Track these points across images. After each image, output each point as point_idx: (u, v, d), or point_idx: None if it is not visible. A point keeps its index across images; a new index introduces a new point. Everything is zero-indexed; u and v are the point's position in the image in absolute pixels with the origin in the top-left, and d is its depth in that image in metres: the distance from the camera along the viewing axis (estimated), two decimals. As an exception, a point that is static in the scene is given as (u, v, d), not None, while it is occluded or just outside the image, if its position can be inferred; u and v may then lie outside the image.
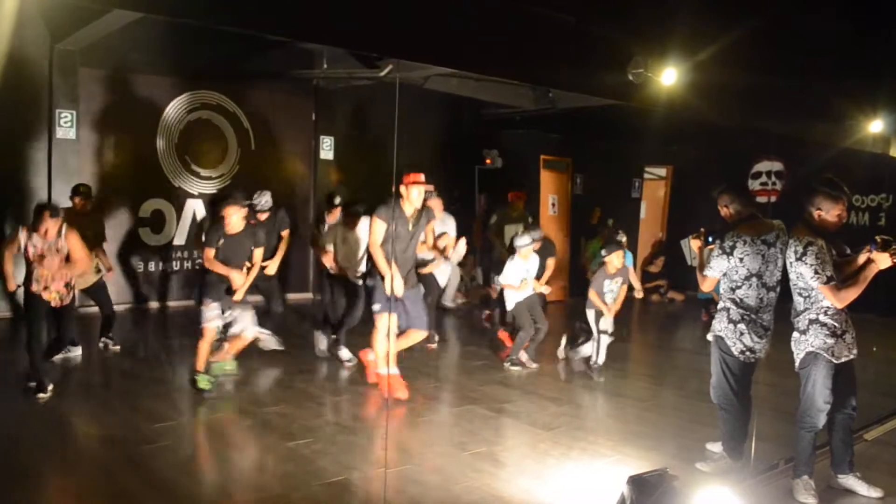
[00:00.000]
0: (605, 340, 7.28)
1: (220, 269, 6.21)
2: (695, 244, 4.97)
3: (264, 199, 7.32)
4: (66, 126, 9.39)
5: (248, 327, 6.51)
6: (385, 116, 11.74)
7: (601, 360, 7.19)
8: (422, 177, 6.17)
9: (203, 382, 6.11)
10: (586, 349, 7.38)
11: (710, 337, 4.87)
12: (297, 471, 4.64)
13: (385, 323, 6.06)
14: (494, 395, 6.54)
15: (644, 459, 4.93)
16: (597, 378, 7.10)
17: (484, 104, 12.40)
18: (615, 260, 7.18)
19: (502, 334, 8.19)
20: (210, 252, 6.23)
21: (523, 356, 7.51)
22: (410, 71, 9.40)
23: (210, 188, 10.89)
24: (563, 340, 7.67)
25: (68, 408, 5.92)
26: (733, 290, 4.68)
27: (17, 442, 5.05)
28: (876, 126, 7.27)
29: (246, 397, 6.22)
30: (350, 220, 7.45)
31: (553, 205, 13.00)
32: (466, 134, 13.30)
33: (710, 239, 4.90)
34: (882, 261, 4.13)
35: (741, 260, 4.61)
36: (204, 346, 6.19)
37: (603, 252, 7.33)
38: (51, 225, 5.97)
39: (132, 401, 5.97)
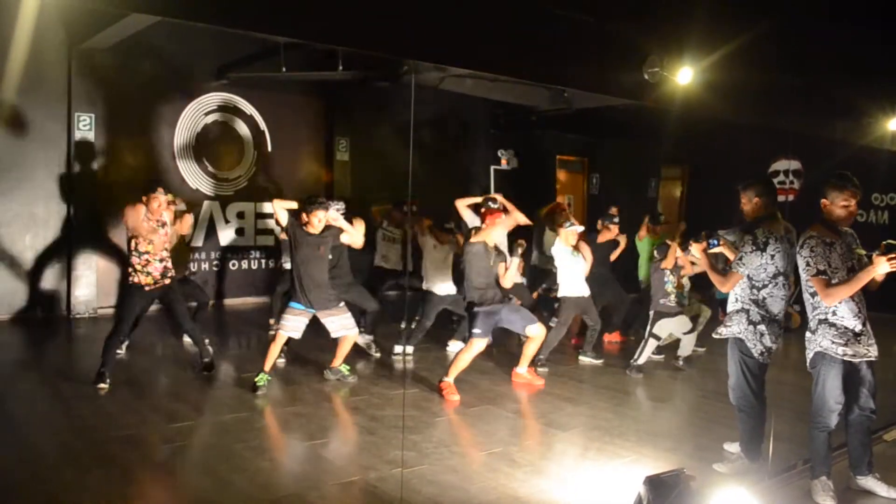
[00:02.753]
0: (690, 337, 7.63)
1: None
2: (697, 248, 4.87)
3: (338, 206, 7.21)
4: (85, 128, 9.48)
5: (347, 327, 6.54)
6: (400, 118, 11.82)
7: (642, 360, 7.43)
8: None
9: (262, 380, 6.25)
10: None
11: (717, 336, 4.81)
12: (314, 470, 4.67)
13: (479, 347, 6.42)
14: (511, 396, 6.55)
15: (661, 460, 4.92)
16: (634, 374, 7.32)
17: (499, 105, 12.40)
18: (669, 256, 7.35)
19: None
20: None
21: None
22: (426, 72, 9.41)
23: (227, 190, 10.96)
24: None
25: (87, 407, 5.97)
26: (758, 289, 4.61)
27: (38, 441, 5.13)
28: (895, 124, 7.20)
29: (263, 397, 6.25)
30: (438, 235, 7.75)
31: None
32: (482, 134, 13.30)
33: (714, 242, 4.85)
34: (879, 265, 4.03)
35: (772, 257, 4.53)
36: (275, 350, 6.33)
37: (656, 254, 7.55)
38: (163, 202, 6.38)
39: (151, 401, 6.01)
